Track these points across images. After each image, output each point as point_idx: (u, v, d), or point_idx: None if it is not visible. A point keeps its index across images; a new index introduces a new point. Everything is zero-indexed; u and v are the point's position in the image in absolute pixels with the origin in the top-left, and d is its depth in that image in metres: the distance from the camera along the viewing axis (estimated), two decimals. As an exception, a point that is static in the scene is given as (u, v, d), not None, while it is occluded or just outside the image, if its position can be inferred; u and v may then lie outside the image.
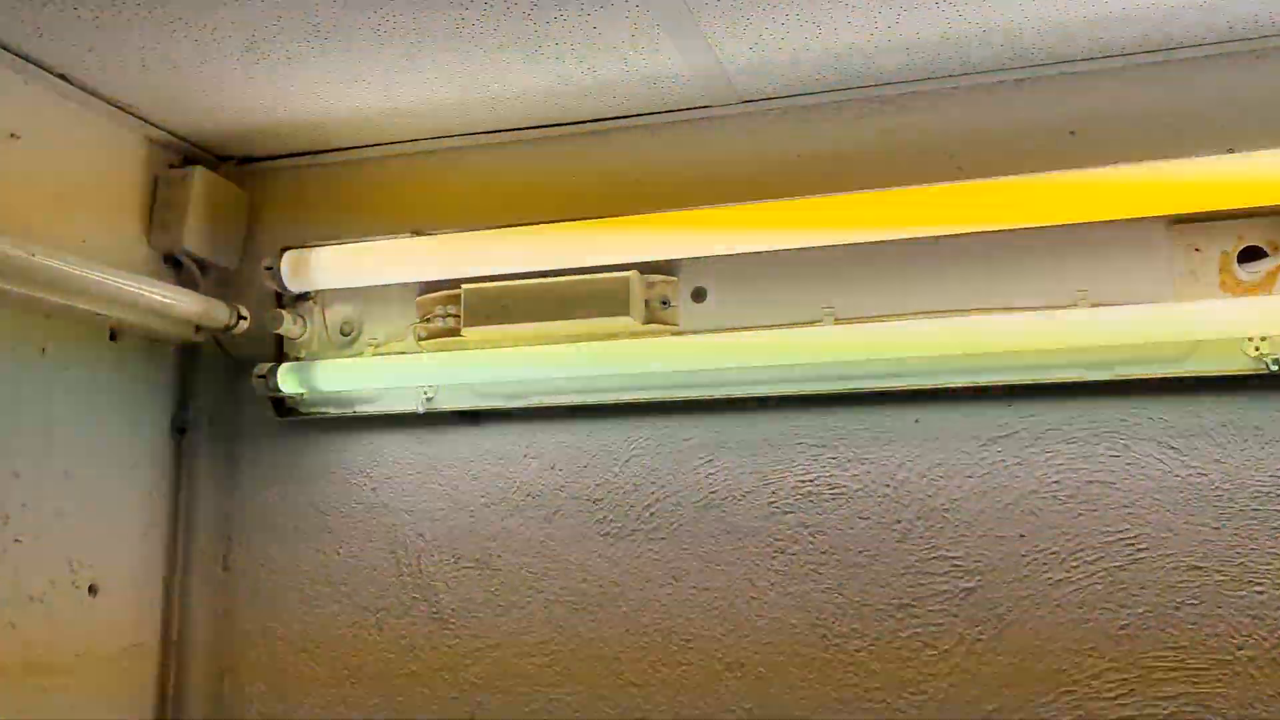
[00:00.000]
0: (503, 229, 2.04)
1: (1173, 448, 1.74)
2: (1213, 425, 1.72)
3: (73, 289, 1.83)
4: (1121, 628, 1.72)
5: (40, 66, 1.87)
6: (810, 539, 1.90)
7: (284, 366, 2.15)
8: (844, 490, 1.90)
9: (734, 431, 1.97)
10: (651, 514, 2.00)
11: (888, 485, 1.88)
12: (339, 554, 2.18)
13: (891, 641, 1.82)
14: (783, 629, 1.88)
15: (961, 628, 1.79)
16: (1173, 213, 1.77)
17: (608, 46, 1.80)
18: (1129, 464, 1.76)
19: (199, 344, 2.21)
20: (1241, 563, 1.68)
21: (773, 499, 1.93)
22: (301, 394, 2.18)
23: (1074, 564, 1.75)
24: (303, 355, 2.21)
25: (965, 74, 1.92)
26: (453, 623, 2.08)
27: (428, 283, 2.12)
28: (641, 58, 1.85)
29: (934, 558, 1.83)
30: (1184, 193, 1.74)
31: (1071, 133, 1.87)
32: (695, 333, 1.97)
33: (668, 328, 2.00)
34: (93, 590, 2.00)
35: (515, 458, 2.10)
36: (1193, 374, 1.71)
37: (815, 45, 1.81)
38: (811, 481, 1.92)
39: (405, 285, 2.14)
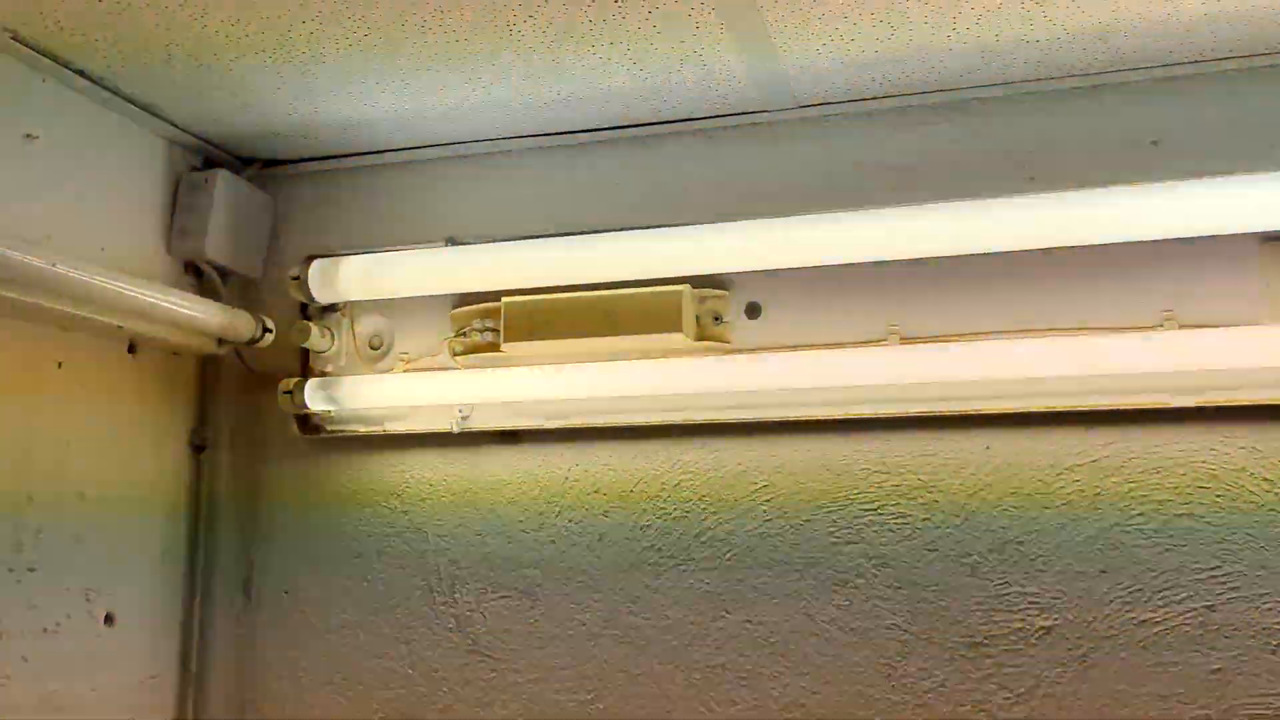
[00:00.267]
0: (544, 239, 1.95)
1: (1267, 479, 1.63)
2: (1310, 455, 1.62)
3: (95, 301, 1.71)
4: (1213, 672, 1.61)
5: (58, 62, 1.75)
6: (874, 572, 1.79)
7: (311, 382, 2.04)
8: (910, 520, 1.79)
9: (791, 456, 1.87)
10: (703, 542, 1.89)
11: (957, 516, 1.77)
12: (367, 581, 2.06)
13: (962, 683, 1.72)
14: (845, 667, 1.78)
15: (1039, 669, 1.69)
16: (1265, 229, 1.66)
17: (666, 46, 1.69)
18: (1219, 496, 1.65)
19: (219, 357, 2.10)
20: (1344, 604, 1.57)
21: (833, 528, 1.83)
22: (328, 411, 2.06)
23: (1161, 603, 1.65)
24: (329, 370, 2.11)
25: (1040, 79, 1.81)
26: (490, 655, 1.97)
27: (461, 295, 2.02)
28: (700, 58, 1.74)
29: (1009, 593, 1.72)
30: (1277, 207, 1.63)
31: (1154, 142, 1.77)
32: (749, 351, 1.88)
33: (720, 345, 1.89)
34: (109, 620, 1.89)
35: (556, 481, 1.99)
36: (1288, 401, 1.60)
37: (885, 46, 1.70)
38: (875, 510, 1.81)
39: (437, 297, 2.04)
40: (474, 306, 1.99)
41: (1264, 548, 1.62)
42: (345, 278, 2.03)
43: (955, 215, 1.77)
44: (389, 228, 2.11)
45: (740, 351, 1.88)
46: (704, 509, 1.90)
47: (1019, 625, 1.71)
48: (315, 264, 2.03)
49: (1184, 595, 1.65)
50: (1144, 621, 1.66)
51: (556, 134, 2.04)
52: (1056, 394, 1.72)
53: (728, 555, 1.87)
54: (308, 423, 2.08)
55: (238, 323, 1.98)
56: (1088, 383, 1.70)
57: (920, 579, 1.77)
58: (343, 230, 2.15)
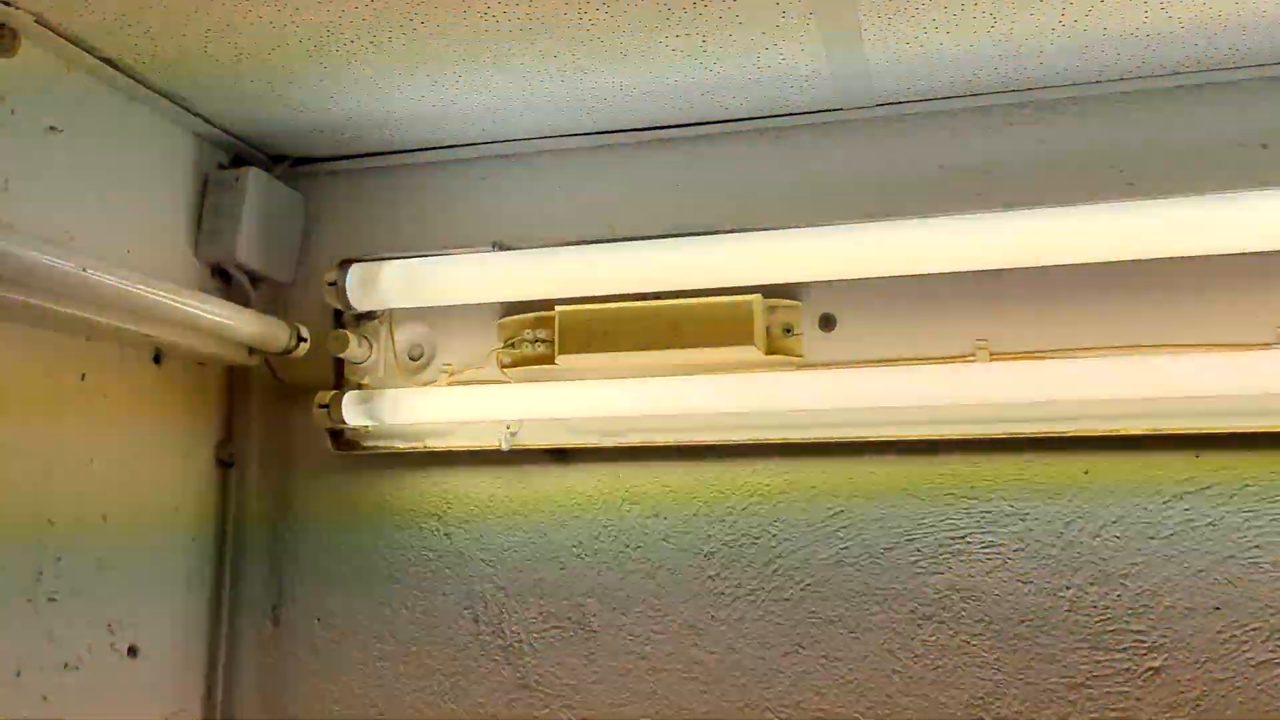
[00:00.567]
0: (599, 244, 1.82)
1: (1395, 509, 1.51)
2: None
3: (123, 307, 1.59)
4: (1340, 718, 1.49)
5: (85, 50, 1.61)
6: (963, 605, 1.67)
7: (349, 395, 1.90)
8: (1002, 550, 1.67)
9: (869, 479, 1.75)
10: (774, 571, 1.77)
11: (1054, 545, 1.65)
12: (407, 609, 1.93)
13: (1062, 727, 1.59)
14: (931, 709, 1.65)
15: (1147, 714, 1.57)
16: (1390, 239, 1.54)
17: (746, 37, 1.57)
18: (1342, 527, 1.53)
19: (249, 368, 1.97)
20: None
21: (917, 557, 1.70)
22: (366, 426, 1.93)
23: (1280, 642, 1.53)
24: (366, 382, 1.97)
25: (1140, 77, 1.69)
26: (541, 691, 1.84)
27: (509, 303, 1.90)
28: (779, 50, 1.61)
29: (1112, 630, 1.60)
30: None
31: (1264, 145, 1.65)
32: (823, 366, 1.76)
33: (791, 359, 1.77)
34: (132, 652, 1.76)
35: (613, 503, 1.86)
36: None
37: (981, 40, 1.58)
38: (963, 539, 1.69)
39: (483, 306, 1.91)
40: (524, 316, 1.87)
41: (1393, 584, 1.50)
42: (385, 283, 1.89)
43: (1047, 223, 1.65)
44: (430, 231, 2.00)
45: (813, 366, 1.76)
46: (774, 535, 1.78)
47: (1125, 666, 1.59)
48: (352, 269, 1.90)
49: (1306, 634, 1.52)
50: (1262, 663, 1.54)
51: (613, 132, 1.92)
52: (1161, 415, 1.60)
53: (801, 585, 1.75)
54: (342, 438, 1.96)
55: (271, 331, 1.86)
56: (1195, 403, 1.58)
57: (1013, 613, 1.65)
58: (380, 233, 2.03)
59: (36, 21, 1.53)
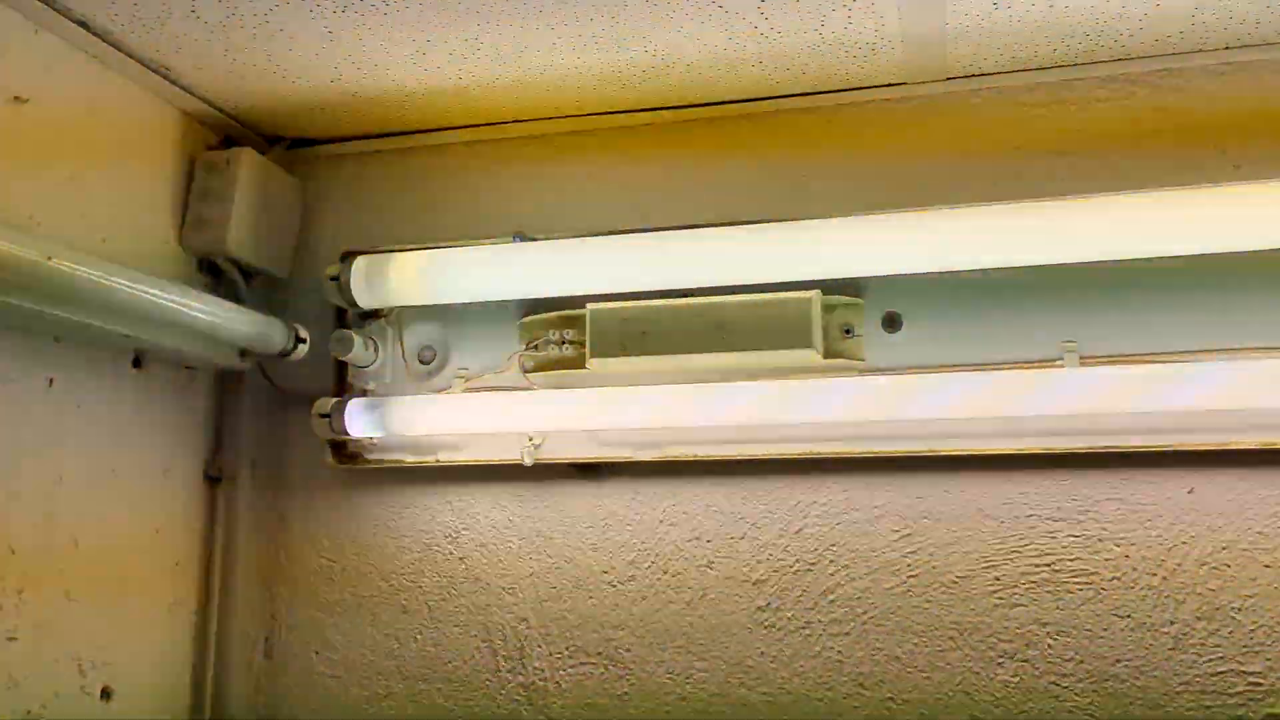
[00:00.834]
0: (633, 234, 1.65)
1: None
2: None
3: (98, 304, 1.41)
4: None
5: (56, 9, 1.43)
6: (1049, 641, 1.50)
7: (353, 403, 1.72)
8: (1095, 579, 1.50)
9: (940, 498, 1.58)
10: (831, 601, 1.59)
11: (1154, 574, 1.48)
12: (416, 641, 1.75)
13: (1168, 782, 1.41)
14: (1016, 759, 1.47)
15: (1267, 768, 1.38)
16: None
17: (812, 2, 1.38)
18: None
19: (240, 372, 1.82)
20: None
21: (996, 587, 1.53)
22: (371, 437, 1.76)
23: None
24: (371, 388, 1.80)
25: (1248, 45, 1.51)
26: (569, 736, 1.65)
27: (532, 300, 1.73)
28: (848, 14, 1.43)
29: (1222, 672, 1.43)
30: None
31: (1390, 123, 1.47)
32: (887, 371, 1.59)
33: (851, 363, 1.60)
34: (106, 694, 1.57)
35: (649, 524, 1.69)
36: None
37: (1073, 6, 1.38)
38: (1050, 567, 1.51)
39: (503, 303, 1.74)
40: (549, 314, 1.71)
41: None
42: (393, 278, 1.72)
43: (1144, 210, 1.47)
44: (444, 219, 1.84)
45: (876, 372, 1.59)
46: (833, 561, 1.61)
47: (1238, 713, 1.42)
48: (357, 262, 1.73)
49: None
50: (1401, 711, 1.35)
51: (650, 110, 1.76)
52: (1276, 427, 1.43)
53: (863, 618, 1.58)
54: (345, 450, 1.80)
55: (267, 331, 1.69)
56: (1317, 414, 1.41)
57: (1108, 651, 1.48)
58: (387, 222, 1.88)
59: (-2, -26, 1.34)
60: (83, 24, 1.48)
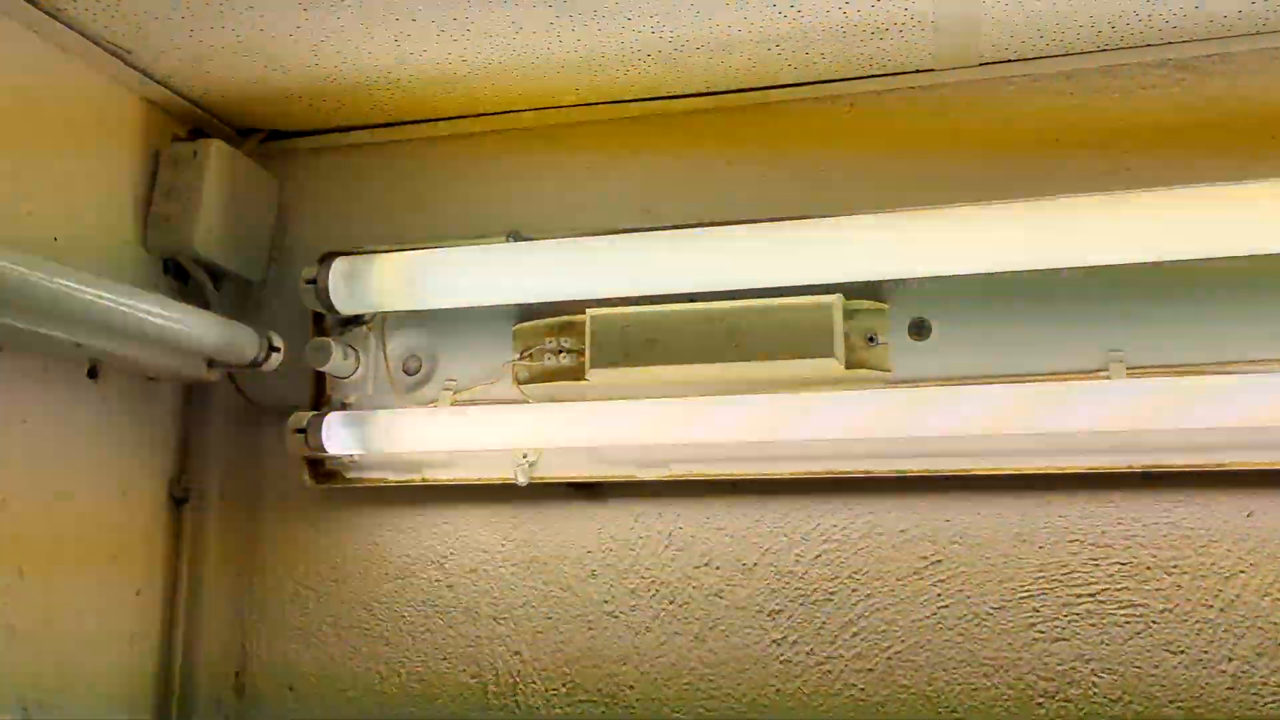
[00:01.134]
0: (638, 233, 1.55)
1: None
2: None
3: (49, 310, 1.31)
4: None
5: (-3, -20, 1.32)
6: (1094, 680, 1.39)
7: (331, 417, 1.63)
8: (1144, 611, 1.39)
9: (973, 521, 1.48)
10: (854, 634, 1.49)
11: (1209, 605, 1.38)
12: (400, 675, 1.64)
13: (1228, 837, 1.31)
14: (1059, 810, 1.36)
15: (1338, 822, 1.27)
16: None
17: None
18: None
19: (208, 384, 1.70)
20: None
21: (1035, 619, 1.43)
22: (352, 455, 1.68)
23: None
24: (351, 401, 1.72)
25: (1309, 27, 1.41)
26: (566, 781, 1.54)
27: (527, 306, 1.65)
28: (875, -8, 1.31)
29: (1288, 714, 1.31)
30: None
31: None
32: (915, 382, 1.49)
33: (875, 373, 1.51)
34: (54, 738, 1.43)
35: (654, 549, 1.59)
36: None
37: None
38: (1094, 597, 1.42)
39: (496, 309, 1.66)
40: (546, 321, 1.63)
41: None
42: (376, 282, 1.62)
43: (1195, 207, 1.38)
44: (432, 218, 1.76)
45: (902, 383, 1.50)
46: (855, 590, 1.50)
47: (1306, 759, 1.29)
48: (336, 263, 1.63)
49: None
50: None
51: (656, 98, 1.66)
52: (1345, 446, 1.34)
53: (888, 652, 1.47)
54: (323, 468, 1.71)
55: (236, 339, 1.59)
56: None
57: (1159, 691, 1.37)
58: (370, 221, 1.80)
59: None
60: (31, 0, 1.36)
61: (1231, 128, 1.46)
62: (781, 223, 1.49)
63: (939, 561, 1.47)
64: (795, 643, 1.50)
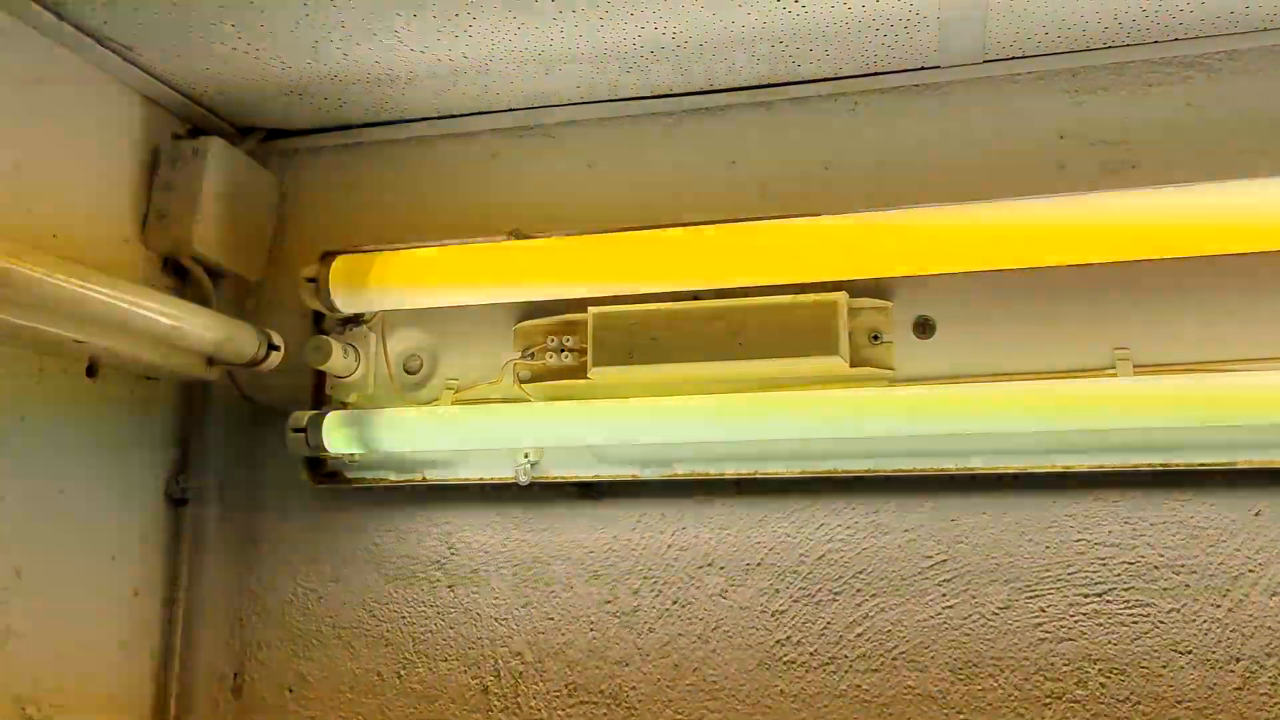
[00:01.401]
0: (640, 231, 1.53)
1: None
2: None
3: (48, 307, 1.32)
4: None
5: (-3, -23, 1.32)
6: (1101, 681, 1.38)
7: (331, 416, 1.62)
8: (1152, 611, 1.38)
9: (978, 521, 1.47)
10: (859, 635, 1.47)
11: (1218, 605, 1.37)
12: (400, 677, 1.62)
13: (1238, 839, 1.30)
14: (1066, 812, 1.35)
15: (1350, 823, 1.26)
16: None
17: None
18: None
19: (208, 383, 1.70)
20: None
21: (1041, 620, 1.42)
22: (352, 455, 1.67)
23: None
24: (352, 400, 1.71)
25: (1317, 25, 1.40)
26: (569, 783, 1.53)
27: (529, 304, 1.64)
28: (881, -12, 1.31)
29: (1299, 715, 1.30)
30: None
31: None
32: (919, 381, 1.49)
33: (880, 372, 1.51)
34: (50, 741, 1.42)
35: (656, 549, 1.58)
36: None
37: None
38: (1101, 597, 1.40)
39: (497, 307, 1.66)
40: (547, 319, 1.63)
41: None
42: (376, 280, 1.62)
43: (1203, 203, 1.36)
44: (433, 217, 1.75)
45: (907, 381, 1.50)
46: (859, 590, 1.49)
47: (1317, 760, 1.27)
48: (337, 262, 1.63)
49: None
50: None
51: (658, 96, 1.65)
52: (1353, 443, 1.34)
53: (894, 652, 1.46)
54: (323, 468, 1.72)
55: (235, 337, 1.58)
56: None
57: (1167, 691, 1.36)
58: (370, 220, 1.79)
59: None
60: (34, -3, 1.36)
61: (1246, 127, 1.45)
62: (785, 220, 1.48)
63: (944, 561, 1.46)
64: (801, 643, 1.48)
